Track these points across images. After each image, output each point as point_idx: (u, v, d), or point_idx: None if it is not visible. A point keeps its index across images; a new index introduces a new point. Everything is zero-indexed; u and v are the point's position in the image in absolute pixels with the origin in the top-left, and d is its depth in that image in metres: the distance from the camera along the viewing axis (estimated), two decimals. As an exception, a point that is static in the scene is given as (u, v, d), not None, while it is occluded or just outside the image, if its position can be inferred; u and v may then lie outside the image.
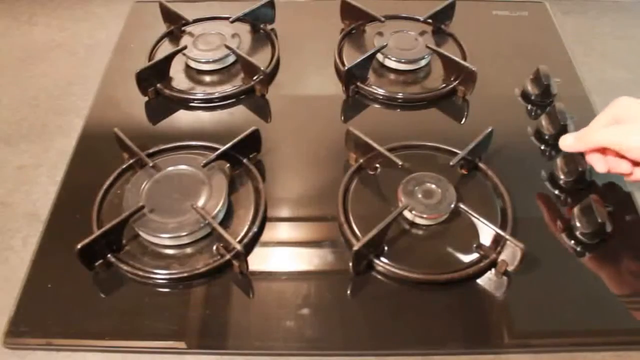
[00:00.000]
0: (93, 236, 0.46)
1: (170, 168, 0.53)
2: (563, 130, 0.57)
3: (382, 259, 0.48)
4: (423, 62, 0.66)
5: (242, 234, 0.50)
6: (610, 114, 0.50)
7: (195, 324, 0.45)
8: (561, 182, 0.54)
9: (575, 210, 0.51)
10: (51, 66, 0.70)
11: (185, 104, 0.64)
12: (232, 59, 0.67)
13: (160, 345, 0.44)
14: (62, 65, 0.70)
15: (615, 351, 0.44)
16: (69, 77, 0.69)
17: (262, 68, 0.63)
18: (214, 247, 0.49)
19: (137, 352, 0.44)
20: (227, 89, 0.64)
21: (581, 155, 0.53)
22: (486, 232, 0.49)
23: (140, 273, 0.47)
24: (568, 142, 0.53)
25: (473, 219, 0.49)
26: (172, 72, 0.65)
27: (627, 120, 0.49)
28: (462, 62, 0.63)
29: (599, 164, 0.51)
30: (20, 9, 0.79)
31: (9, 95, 0.66)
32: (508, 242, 0.47)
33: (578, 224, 0.50)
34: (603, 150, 0.51)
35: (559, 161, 0.55)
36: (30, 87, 0.67)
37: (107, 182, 0.54)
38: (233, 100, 0.64)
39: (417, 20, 0.71)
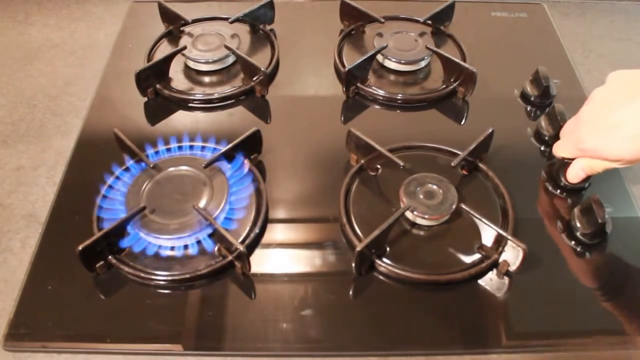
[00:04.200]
0: (94, 237, 0.46)
1: (172, 169, 0.53)
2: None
3: (384, 259, 0.48)
4: (423, 63, 0.66)
5: (244, 235, 0.50)
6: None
7: (197, 326, 0.45)
8: (561, 182, 0.54)
9: (576, 210, 0.51)
10: (48, 66, 0.70)
11: (185, 104, 0.64)
12: (231, 59, 0.67)
13: (161, 348, 0.44)
14: (59, 65, 0.70)
15: (617, 350, 0.45)
16: (66, 77, 0.68)
17: (262, 68, 0.63)
18: (216, 248, 0.49)
19: (139, 354, 0.44)
20: (227, 89, 0.64)
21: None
22: (487, 233, 0.49)
23: (142, 274, 0.47)
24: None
25: (474, 219, 0.49)
26: (171, 73, 0.65)
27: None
28: (461, 63, 0.63)
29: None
30: (16, 8, 0.78)
31: (6, 95, 0.66)
32: (509, 243, 0.47)
33: (578, 225, 0.50)
34: None
35: (559, 162, 0.55)
36: (28, 88, 0.67)
37: (107, 183, 0.53)
38: (233, 100, 0.64)
39: (417, 21, 0.71)
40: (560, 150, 0.54)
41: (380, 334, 0.45)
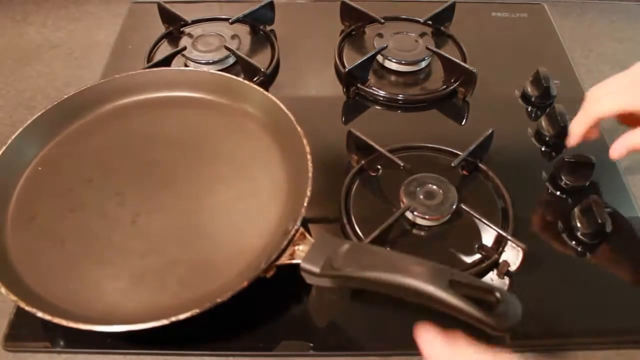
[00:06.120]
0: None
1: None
2: (563, 131, 0.57)
3: (385, 260, 0.48)
4: (423, 64, 0.66)
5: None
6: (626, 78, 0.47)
7: (197, 325, 0.44)
8: (562, 182, 0.54)
9: (576, 210, 0.51)
10: (47, 67, 0.70)
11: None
12: (232, 60, 0.67)
13: (162, 347, 0.44)
14: (58, 66, 0.70)
15: (617, 350, 0.45)
16: (65, 78, 0.68)
17: (262, 69, 0.63)
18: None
19: (139, 354, 0.44)
20: (227, 90, 0.64)
21: (585, 156, 0.54)
22: (488, 233, 0.49)
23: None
24: (571, 130, 0.51)
25: (475, 219, 0.49)
26: (171, 73, 0.65)
27: None
28: (462, 63, 0.63)
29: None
30: (14, 8, 0.78)
31: (5, 96, 0.66)
32: (509, 243, 0.47)
33: (578, 225, 0.50)
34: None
35: (559, 162, 0.55)
36: (27, 89, 0.67)
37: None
38: (233, 101, 0.64)
39: (417, 21, 0.71)
40: (606, 102, 0.48)
41: (380, 333, 0.45)
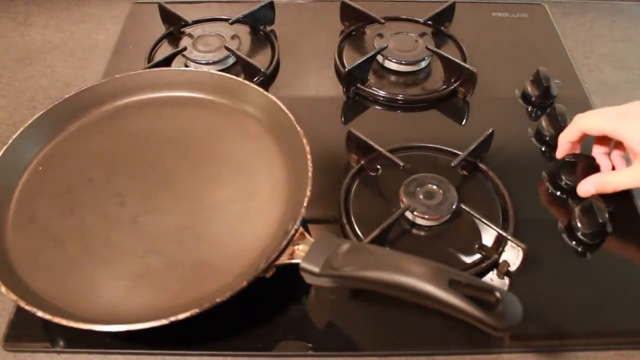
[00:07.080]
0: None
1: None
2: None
3: (385, 260, 0.48)
4: (423, 64, 0.66)
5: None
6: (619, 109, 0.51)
7: (197, 325, 0.44)
8: (562, 182, 0.54)
9: (576, 210, 0.51)
10: (48, 67, 0.70)
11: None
12: (232, 60, 0.67)
13: (161, 347, 0.44)
14: (60, 67, 0.70)
15: (617, 350, 0.45)
16: (67, 78, 0.68)
17: (262, 69, 0.63)
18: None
19: (139, 354, 0.44)
20: (227, 90, 0.64)
21: (584, 156, 0.54)
22: (488, 233, 0.49)
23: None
24: (559, 142, 0.55)
25: (474, 219, 0.49)
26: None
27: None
28: (462, 63, 0.63)
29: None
30: (16, 9, 0.78)
31: (6, 97, 0.66)
32: (509, 243, 0.47)
33: (579, 225, 0.50)
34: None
35: (559, 162, 0.55)
36: (28, 89, 0.67)
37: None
38: (233, 101, 0.64)
39: (417, 22, 0.71)
40: (593, 118, 0.52)
41: (380, 333, 0.45)
